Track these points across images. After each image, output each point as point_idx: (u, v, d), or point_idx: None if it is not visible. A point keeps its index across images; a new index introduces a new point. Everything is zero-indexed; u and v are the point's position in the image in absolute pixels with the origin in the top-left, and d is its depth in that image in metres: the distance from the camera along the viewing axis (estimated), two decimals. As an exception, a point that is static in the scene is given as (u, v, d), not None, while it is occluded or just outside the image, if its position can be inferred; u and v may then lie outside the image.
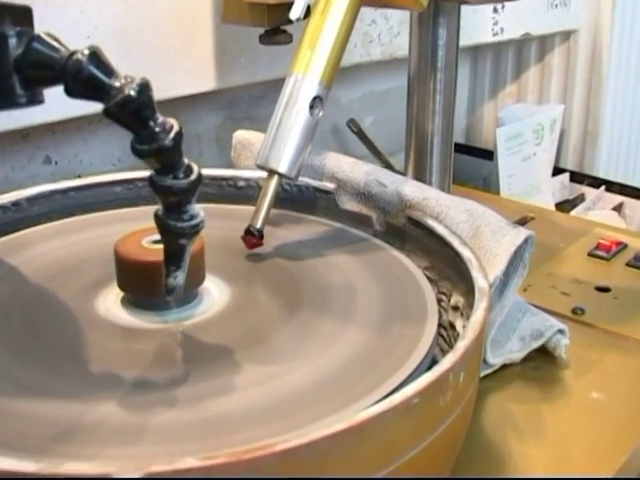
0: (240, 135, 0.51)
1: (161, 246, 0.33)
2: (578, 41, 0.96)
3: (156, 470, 0.23)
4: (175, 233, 0.30)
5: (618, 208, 0.89)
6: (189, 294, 0.35)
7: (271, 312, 0.37)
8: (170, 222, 0.30)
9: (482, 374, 0.42)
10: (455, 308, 0.39)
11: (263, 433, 0.28)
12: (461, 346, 0.30)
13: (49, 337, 0.34)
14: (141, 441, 0.27)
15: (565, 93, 0.99)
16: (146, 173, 0.47)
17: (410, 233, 0.43)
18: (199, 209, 0.31)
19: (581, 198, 0.92)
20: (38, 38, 0.28)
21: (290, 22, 0.45)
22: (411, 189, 0.44)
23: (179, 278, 0.32)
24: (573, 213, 0.84)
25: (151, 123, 0.28)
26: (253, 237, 0.41)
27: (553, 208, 0.86)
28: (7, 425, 0.28)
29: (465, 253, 0.38)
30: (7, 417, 0.28)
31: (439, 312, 0.37)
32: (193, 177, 0.30)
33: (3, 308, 0.36)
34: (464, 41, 0.54)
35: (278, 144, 0.41)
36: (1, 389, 0.30)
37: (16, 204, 0.45)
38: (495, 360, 0.43)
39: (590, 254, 0.59)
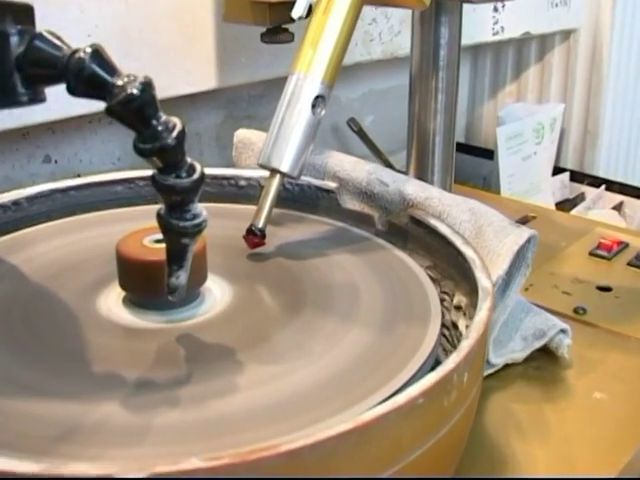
0: (241, 134, 0.51)
1: (163, 245, 0.33)
2: (578, 40, 0.96)
3: (160, 471, 0.23)
4: (178, 232, 0.30)
5: (618, 207, 0.89)
6: (191, 294, 0.35)
7: (273, 312, 0.37)
8: (173, 221, 0.30)
9: (485, 374, 0.42)
10: (458, 308, 0.39)
11: (266, 434, 0.28)
12: (465, 346, 0.30)
13: (50, 337, 0.34)
14: (144, 442, 0.27)
15: (565, 92, 0.99)
16: (147, 172, 0.48)
17: (412, 232, 0.43)
18: (202, 208, 0.30)
19: (581, 197, 0.92)
20: (40, 36, 0.28)
21: (292, 21, 0.44)
22: (413, 188, 0.44)
23: (181, 278, 0.32)
24: (573, 212, 0.84)
25: (154, 122, 0.28)
26: (255, 237, 0.40)
27: (553, 207, 0.86)
28: (8, 425, 0.28)
29: (468, 253, 0.38)
30: (8, 417, 0.28)
31: (441, 312, 0.37)
32: (196, 176, 0.29)
33: (4, 308, 0.36)
34: (464, 40, 0.54)
35: (280, 143, 0.40)
36: (2, 389, 0.30)
37: (16, 203, 0.45)
38: (498, 360, 0.43)
39: (591, 253, 0.59)
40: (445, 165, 0.54)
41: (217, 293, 0.37)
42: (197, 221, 0.30)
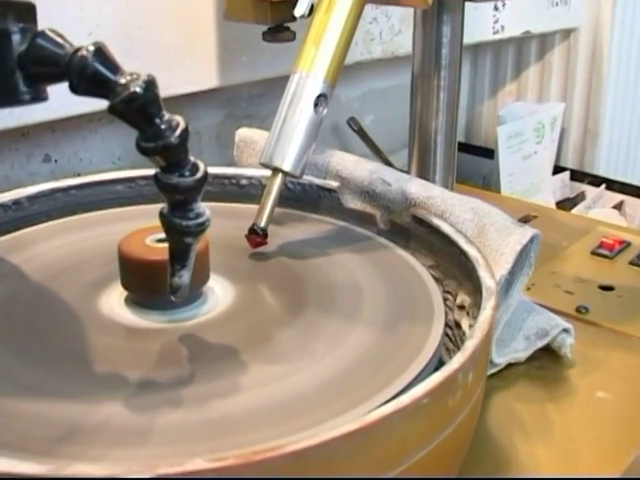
0: (243, 133, 0.51)
1: (165, 245, 0.33)
2: (578, 39, 0.96)
3: (165, 472, 0.22)
4: (181, 232, 0.30)
5: (618, 206, 0.89)
6: (193, 293, 0.35)
7: (276, 311, 0.37)
8: (176, 220, 0.30)
9: (487, 373, 0.42)
10: (461, 307, 0.39)
11: (270, 434, 0.27)
12: (470, 345, 0.30)
13: (52, 337, 0.34)
14: (147, 442, 0.27)
15: (565, 91, 0.98)
16: (148, 171, 0.48)
17: (414, 231, 0.43)
18: (205, 207, 0.30)
19: (581, 197, 0.92)
20: (42, 34, 0.28)
21: (293, 19, 0.44)
22: (416, 187, 0.43)
23: (184, 277, 0.31)
24: (574, 212, 0.84)
25: (157, 120, 0.28)
26: (257, 236, 0.40)
27: (554, 207, 0.86)
28: (10, 426, 0.28)
29: (471, 252, 0.38)
30: (10, 418, 0.28)
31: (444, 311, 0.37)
32: (199, 175, 0.29)
33: (4, 308, 0.36)
34: (465, 39, 0.54)
35: (282, 142, 0.40)
36: (3, 389, 0.30)
37: (17, 202, 0.44)
38: (500, 359, 0.42)
39: (593, 253, 0.59)
40: (447, 164, 0.54)
41: (219, 293, 0.37)
42: (200, 220, 0.30)
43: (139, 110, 0.27)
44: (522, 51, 1.00)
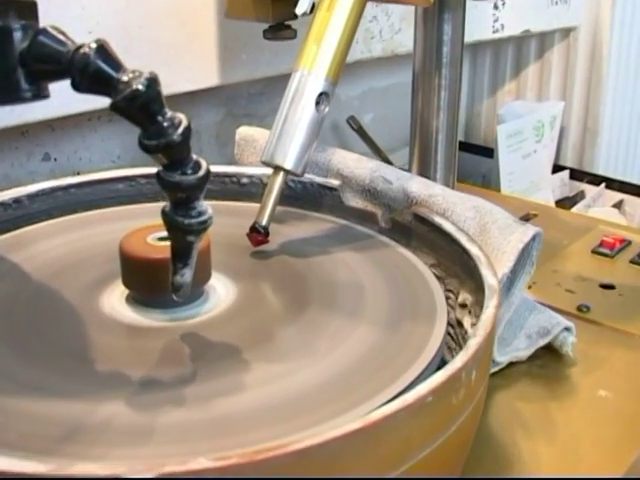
0: (243, 131, 0.51)
1: (167, 243, 0.33)
2: (578, 38, 0.96)
3: (168, 471, 0.22)
4: (183, 230, 0.30)
5: (618, 205, 0.89)
6: (195, 292, 0.35)
7: (278, 310, 0.36)
8: (178, 219, 0.30)
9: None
10: (463, 306, 0.39)
11: (273, 433, 0.27)
12: (473, 344, 0.30)
13: (53, 335, 0.33)
14: (149, 441, 0.27)
15: (565, 90, 0.98)
16: (148, 170, 0.48)
17: (416, 230, 0.43)
18: (207, 205, 0.30)
19: (581, 195, 0.92)
20: (44, 31, 0.28)
21: (294, 17, 0.44)
22: (417, 186, 0.43)
23: (186, 275, 0.31)
24: (573, 210, 0.84)
25: (159, 118, 0.28)
26: (259, 234, 0.40)
27: (553, 206, 0.86)
28: (12, 425, 0.28)
29: (473, 250, 0.37)
30: (12, 417, 0.28)
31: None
32: (201, 173, 0.29)
33: (5, 306, 0.35)
34: (465, 38, 0.54)
35: (284, 140, 0.40)
36: (4, 388, 0.30)
37: (17, 201, 0.44)
38: (502, 358, 0.42)
39: (594, 251, 0.59)
40: (448, 162, 0.54)
41: (221, 291, 0.37)
42: (203, 218, 0.30)
43: (141, 108, 0.27)
44: (521, 50, 1.00)
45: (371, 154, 0.81)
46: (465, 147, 0.95)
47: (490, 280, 0.35)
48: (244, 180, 0.48)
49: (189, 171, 0.29)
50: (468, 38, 0.79)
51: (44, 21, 0.29)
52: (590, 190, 0.91)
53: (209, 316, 0.35)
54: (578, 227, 0.64)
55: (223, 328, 0.34)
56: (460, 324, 0.38)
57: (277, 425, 0.28)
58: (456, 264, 0.40)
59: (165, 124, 0.28)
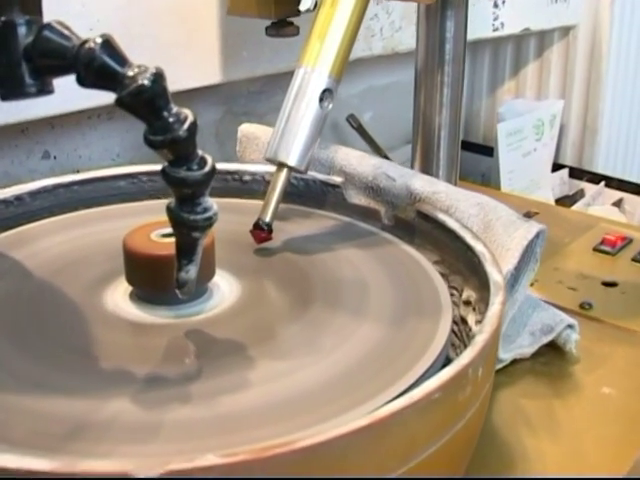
0: (245, 129, 0.50)
1: (170, 240, 0.33)
2: (577, 37, 0.96)
3: (176, 468, 0.22)
4: (188, 226, 0.30)
5: (618, 204, 0.89)
6: (199, 289, 0.35)
7: (282, 307, 0.36)
8: (183, 215, 0.29)
9: (493, 369, 0.41)
10: (467, 303, 0.39)
11: (279, 430, 0.27)
12: (480, 340, 0.30)
13: (57, 333, 0.33)
14: (156, 438, 0.27)
15: (564, 89, 0.98)
16: (150, 167, 0.47)
17: (419, 227, 0.43)
18: (212, 201, 0.30)
19: (580, 194, 0.92)
20: (49, 26, 0.28)
21: (297, 14, 0.44)
22: (420, 183, 0.43)
23: (191, 272, 0.31)
24: (573, 209, 0.84)
25: (165, 113, 0.28)
26: (262, 231, 0.40)
27: (553, 204, 0.86)
28: (17, 423, 0.27)
29: (478, 247, 0.37)
30: (16, 414, 0.28)
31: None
32: (207, 169, 0.29)
33: (9, 303, 0.35)
34: (466, 35, 0.54)
35: (287, 137, 0.40)
36: (9, 386, 0.29)
37: (19, 198, 0.44)
38: (506, 355, 0.42)
39: (595, 249, 0.59)
40: (450, 160, 0.54)
41: (225, 288, 0.37)
42: (208, 214, 0.30)
43: (147, 103, 0.27)
44: (521, 48, 1.00)
45: (371, 152, 0.80)
46: (464, 146, 0.95)
47: (495, 277, 0.35)
48: (246, 177, 0.48)
49: (195, 167, 0.29)
50: (468, 36, 0.79)
51: (45, 17, 0.29)
52: (590, 188, 0.91)
53: (213, 313, 0.35)
54: (579, 225, 0.64)
55: (227, 325, 0.34)
56: (464, 321, 0.38)
57: (283, 422, 0.28)
58: (460, 261, 0.39)
59: (171, 119, 0.28)
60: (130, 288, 0.36)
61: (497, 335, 0.32)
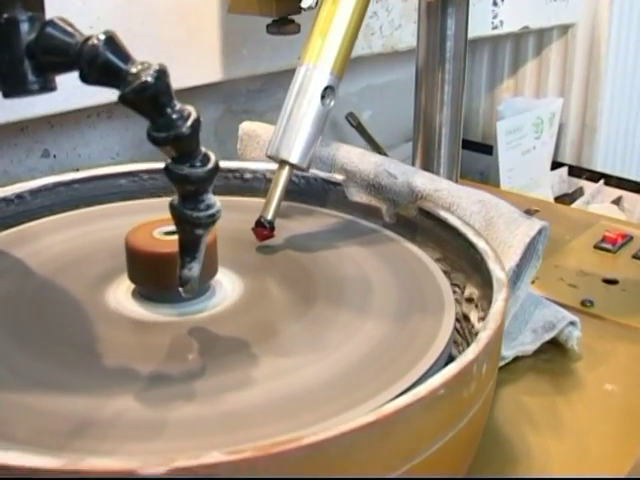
0: (246, 127, 0.50)
1: (173, 237, 0.32)
2: (576, 35, 0.96)
3: (182, 465, 0.22)
4: (192, 223, 0.30)
5: (617, 201, 0.89)
6: (202, 287, 0.35)
7: (285, 305, 0.36)
8: (187, 212, 0.29)
9: (495, 367, 0.41)
10: (469, 300, 0.39)
11: (284, 428, 0.27)
12: (484, 337, 0.30)
13: (60, 331, 0.33)
14: (160, 436, 0.27)
15: (563, 87, 0.98)
16: (151, 165, 0.47)
17: (421, 224, 0.43)
18: (215, 199, 0.30)
19: (580, 192, 0.92)
20: (52, 23, 0.28)
21: (298, 11, 0.44)
22: (422, 180, 0.43)
23: (194, 269, 0.31)
24: (573, 207, 0.84)
25: (168, 110, 0.27)
26: (264, 229, 0.40)
27: (552, 202, 0.86)
28: (20, 421, 0.27)
29: (480, 244, 0.37)
30: (19, 412, 0.28)
31: (452, 304, 0.37)
32: (210, 165, 0.29)
33: (11, 302, 0.35)
34: (465, 33, 0.54)
35: (289, 134, 0.40)
36: (13, 384, 0.29)
37: (20, 196, 0.44)
38: (508, 352, 0.42)
39: (596, 247, 0.59)
40: (451, 157, 0.54)
41: (227, 286, 0.37)
42: (211, 211, 0.30)
43: (150, 100, 0.27)
44: (519, 47, 1.00)
45: (370, 150, 0.80)
46: (463, 144, 0.95)
47: (498, 274, 0.35)
48: (247, 175, 0.48)
49: (198, 164, 0.29)
50: (468, 34, 0.79)
51: (46, 15, 0.29)
52: (588, 187, 0.91)
53: (216, 311, 0.35)
54: (579, 222, 0.64)
55: (230, 323, 0.34)
56: (467, 318, 0.38)
57: (288, 420, 0.28)
58: (462, 258, 0.39)
59: (174, 116, 0.27)
60: (132, 286, 0.36)
61: (501, 332, 0.32)
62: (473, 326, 0.38)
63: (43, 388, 0.29)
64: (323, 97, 0.40)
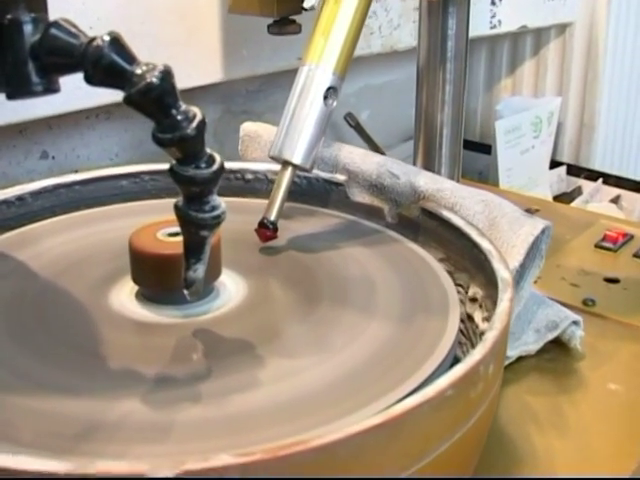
0: (247, 127, 0.50)
1: (177, 239, 0.32)
2: (574, 34, 0.96)
3: (191, 468, 0.22)
4: (197, 224, 0.30)
5: (615, 200, 0.89)
6: (206, 288, 0.34)
7: (290, 306, 0.36)
8: (192, 213, 0.29)
9: (499, 366, 0.41)
10: (473, 300, 0.38)
11: (291, 429, 0.27)
12: (490, 337, 0.29)
13: (64, 333, 0.33)
14: (168, 439, 0.27)
15: (561, 86, 0.98)
16: (152, 166, 0.47)
17: (424, 225, 0.43)
18: (220, 200, 0.30)
19: (578, 191, 0.92)
20: (56, 24, 0.27)
21: (299, 12, 0.44)
22: (424, 180, 0.43)
23: (199, 271, 0.31)
24: (572, 206, 0.84)
25: (173, 111, 0.27)
26: (267, 230, 0.40)
27: (551, 201, 0.86)
28: (25, 424, 0.27)
29: (484, 244, 0.37)
30: (24, 416, 0.28)
31: (456, 304, 0.37)
32: (215, 167, 0.29)
33: (14, 304, 0.35)
34: (465, 33, 0.54)
35: (292, 135, 0.40)
36: (17, 387, 0.29)
37: (20, 199, 0.44)
38: (511, 352, 0.42)
39: (597, 245, 0.59)
40: (453, 157, 0.54)
41: (231, 287, 0.36)
42: (216, 213, 0.29)
43: (155, 101, 0.27)
44: (517, 46, 1.00)
45: (368, 150, 0.80)
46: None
47: (503, 273, 0.34)
48: (249, 176, 0.48)
49: (203, 165, 0.29)
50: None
51: (46, 16, 0.29)
52: (587, 186, 0.91)
53: (220, 312, 0.35)
54: (580, 222, 0.64)
55: (235, 324, 0.34)
56: (470, 318, 0.38)
57: (294, 422, 0.28)
58: (465, 258, 0.39)
59: (179, 117, 0.27)
60: (136, 288, 0.36)
61: (506, 332, 0.32)
62: (477, 326, 0.37)
63: (47, 391, 0.29)
64: (326, 98, 0.40)
